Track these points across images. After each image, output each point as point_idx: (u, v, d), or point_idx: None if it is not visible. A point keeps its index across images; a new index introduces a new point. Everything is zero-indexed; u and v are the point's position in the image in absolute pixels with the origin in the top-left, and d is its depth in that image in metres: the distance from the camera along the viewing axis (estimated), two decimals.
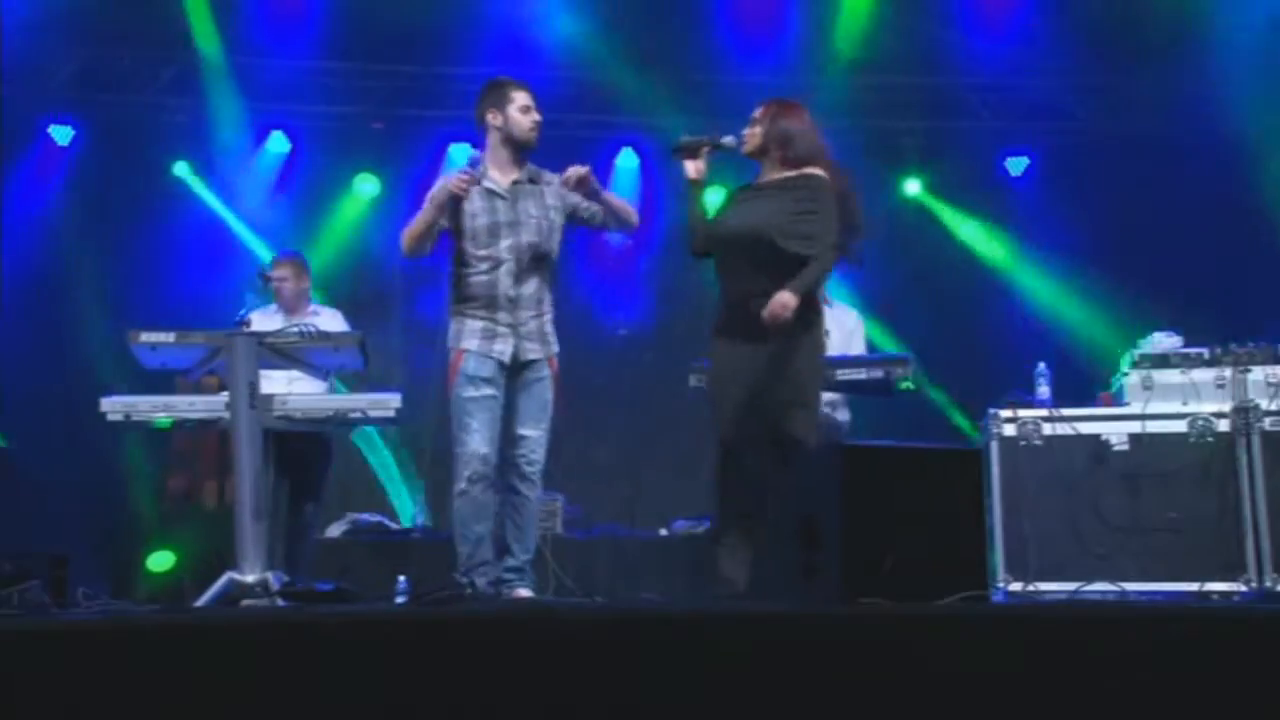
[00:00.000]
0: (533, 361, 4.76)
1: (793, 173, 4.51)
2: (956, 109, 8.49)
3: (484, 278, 4.73)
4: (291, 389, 5.41)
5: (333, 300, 6.64)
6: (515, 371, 4.75)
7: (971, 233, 8.46)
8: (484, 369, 4.68)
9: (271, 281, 5.69)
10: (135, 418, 4.95)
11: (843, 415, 6.33)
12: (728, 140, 4.63)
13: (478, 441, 4.63)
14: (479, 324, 4.72)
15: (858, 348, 6.26)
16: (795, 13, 8.13)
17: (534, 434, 4.75)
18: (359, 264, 8.24)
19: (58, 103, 7.95)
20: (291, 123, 8.28)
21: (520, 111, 4.86)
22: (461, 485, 4.64)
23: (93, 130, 8.04)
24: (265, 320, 5.47)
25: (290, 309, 5.95)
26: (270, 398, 4.74)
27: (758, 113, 4.61)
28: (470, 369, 4.68)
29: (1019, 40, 7.97)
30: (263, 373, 4.62)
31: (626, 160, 8.53)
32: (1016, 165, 8.54)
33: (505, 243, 4.73)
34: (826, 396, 6.05)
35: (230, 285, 6.67)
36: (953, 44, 8.07)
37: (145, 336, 4.60)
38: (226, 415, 4.65)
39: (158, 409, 4.95)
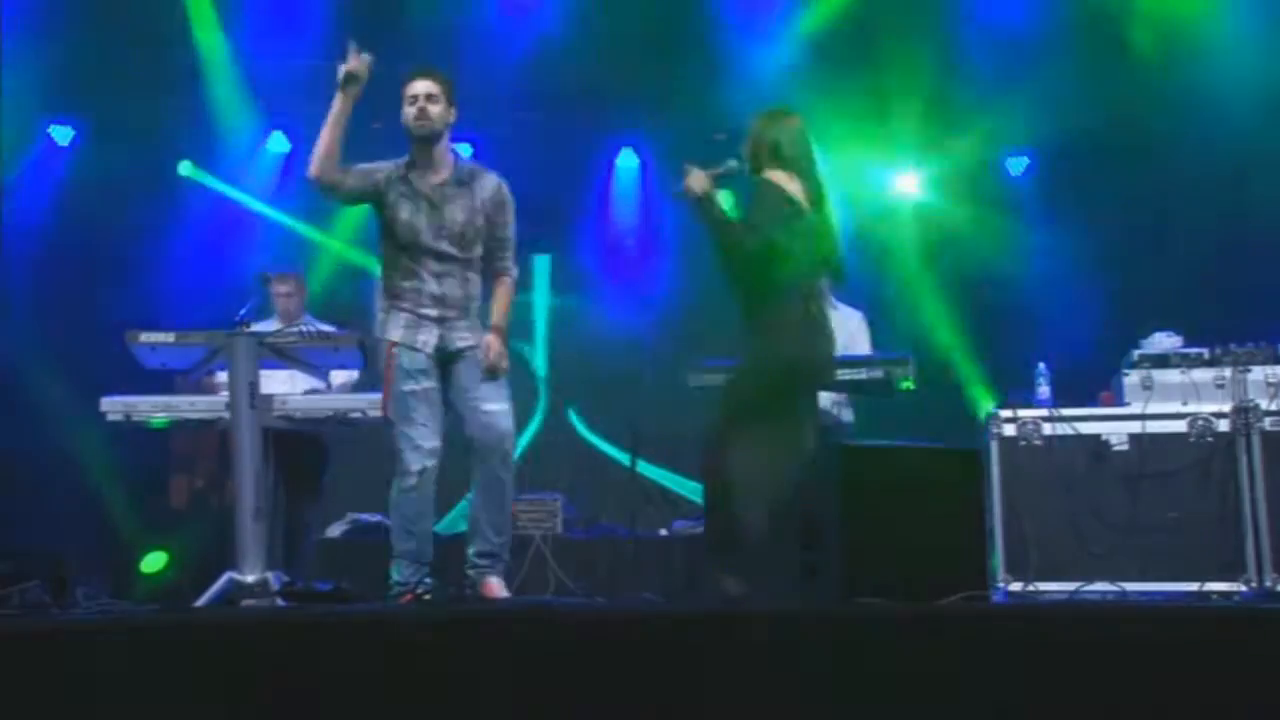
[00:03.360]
0: (467, 348, 4.72)
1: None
2: (956, 109, 8.48)
3: (408, 277, 4.71)
4: (292, 389, 5.42)
5: (331, 301, 6.65)
6: (451, 358, 4.72)
7: (971, 232, 8.45)
8: (418, 361, 4.67)
9: (270, 285, 5.69)
10: (135, 418, 4.95)
11: (846, 415, 6.32)
12: (730, 164, 4.59)
13: (426, 436, 4.60)
14: (403, 315, 4.70)
15: (863, 349, 6.26)
16: (795, 13, 8.13)
17: (495, 408, 4.67)
18: (358, 264, 8.23)
19: (58, 103, 7.95)
20: (291, 123, 8.28)
21: (408, 104, 4.74)
22: (411, 480, 4.60)
23: (93, 130, 8.04)
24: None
25: (288, 323, 5.96)
26: (270, 398, 4.74)
27: (750, 129, 4.60)
28: (405, 363, 4.66)
29: (1019, 40, 7.96)
30: (263, 373, 4.62)
31: (626, 160, 8.53)
32: (1016, 165, 8.53)
33: (425, 248, 4.69)
34: (830, 396, 6.06)
35: (231, 285, 6.67)
36: (953, 44, 8.06)
37: (145, 336, 4.60)
38: (226, 415, 4.65)
39: (157, 409, 4.95)
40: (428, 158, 4.75)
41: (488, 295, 4.88)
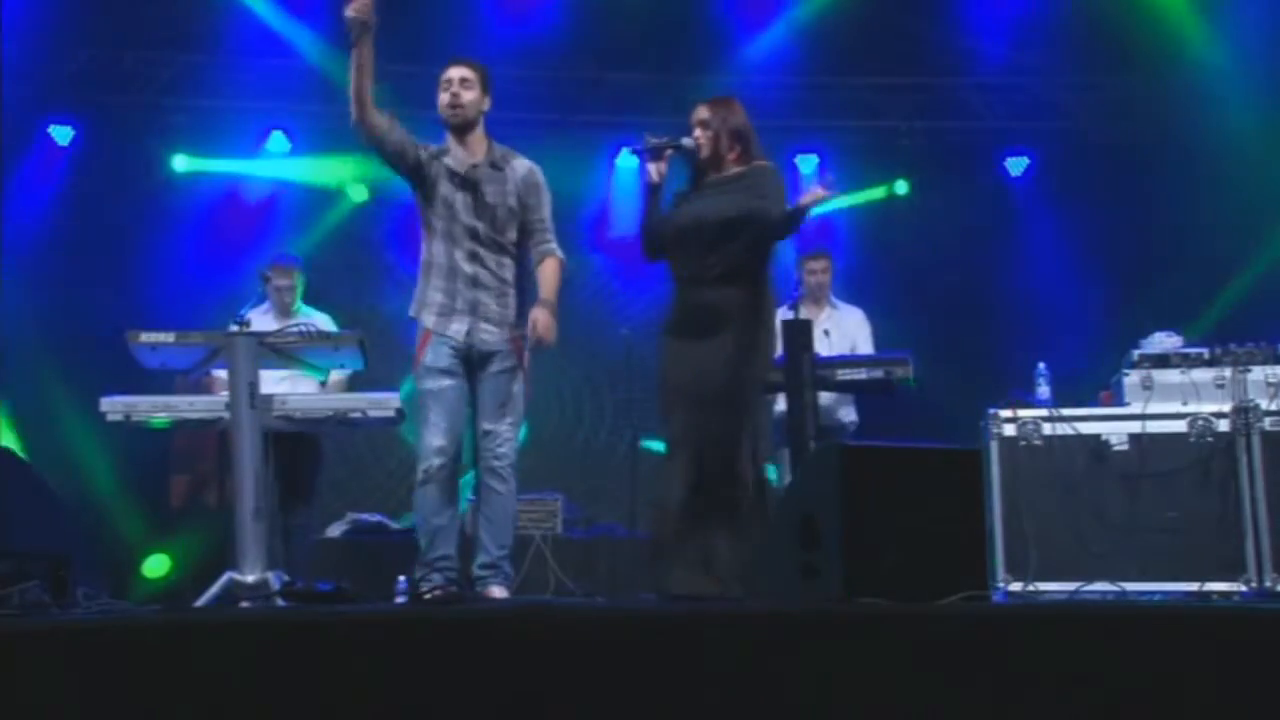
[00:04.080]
0: (493, 353, 4.72)
1: (744, 167, 4.58)
2: (956, 109, 8.49)
3: (444, 247, 4.73)
4: (293, 388, 5.42)
5: (331, 299, 6.65)
6: (477, 363, 4.72)
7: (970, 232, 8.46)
8: (441, 359, 4.68)
9: (271, 282, 5.68)
10: (135, 418, 4.95)
11: (848, 416, 6.33)
12: (687, 142, 4.61)
13: (435, 435, 4.63)
14: (439, 297, 4.73)
15: (864, 348, 6.27)
16: (795, 13, 8.14)
17: (497, 428, 4.69)
18: (360, 263, 8.25)
19: (58, 103, 7.95)
20: (292, 123, 8.28)
21: (441, 90, 4.78)
22: (420, 477, 4.65)
23: (93, 130, 8.04)
24: (259, 321, 5.47)
25: (285, 312, 5.97)
26: (270, 398, 4.75)
27: (705, 114, 4.61)
28: (429, 359, 4.69)
29: (1019, 40, 7.97)
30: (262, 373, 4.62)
31: (626, 160, 8.52)
32: (1016, 165, 8.55)
33: (462, 224, 4.72)
34: (831, 396, 6.06)
35: (231, 285, 6.67)
36: (953, 44, 8.07)
37: (145, 336, 4.60)
38: (226, 415, 4.65)
39: (158, 409, 4.95)
40: (462, 145, 4.79)
41: (525, 297, 4.86)
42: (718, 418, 4.41)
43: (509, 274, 4.80)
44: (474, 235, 4.73)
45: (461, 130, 4.79)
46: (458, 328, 4.71)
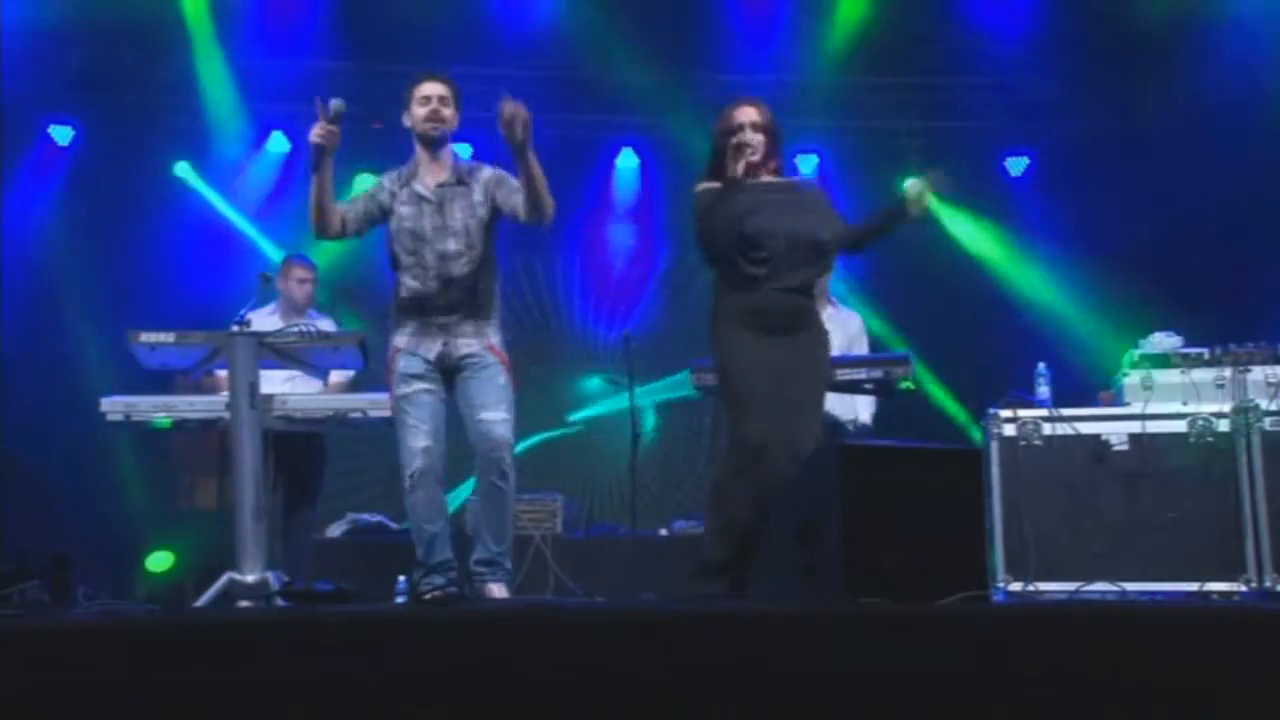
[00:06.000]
0: (471, 354, 4.67)
1: (795, 179, 4.56)
2: (956, 109, 8.49)
3: (414, 282, 4.69)
4: (294, 388, 5.42)
5: (333, 300, 6.66)
6: (455, 367, 4.68)
7: (971, 232, 8.46)
8: (414, 366, 4.65)
9: (273, 283, 5.68)
10: (135, 418, 4.95)
11: (864, 416, 6.30)
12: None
13: (417, 437, 4.59)
14: (410, 324, 4.70)
15: (861, 349, 6.27)
16: (796, 12, 8.13)
17: (493, 416, 4.61)
18: (360, 262, 8.24)
19: (58, 103, 7.95)
20: (292, 123, 8.28)
21: (419, 105, 4.71)
22: (407, 484, 4.61)
23: (93, 130, 8.04)
24: (261, 321, 5.47)
25: (299, 311, 5.93)
26: (270, 398, 4.75)
27: (757, 116, 4.47)
28: (401, 367, 4.66)
29: (1019, 40, 7.96)
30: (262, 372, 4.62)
31: (626, 160, 8.53)
32: (1016, 165, 8.54)
33: (432, 249, 4.66)
34: (840, 395, 6.05)
35: (231, 285, 6.67)
36: (953, 44, 8.07)
37: (145, 337, 4.60)
38: (226, 415, 4.66)
39: (158, 409, 4.96)
40: (432, 160, 4.74)
41: (505, 311, 4.86)
42: (814, 424, 4.35)
43: (483, 283, 4.72)
44: (444, 256, 4.66)
45: (437, 145, 4.73)
46: (428, 347, 4.67)
